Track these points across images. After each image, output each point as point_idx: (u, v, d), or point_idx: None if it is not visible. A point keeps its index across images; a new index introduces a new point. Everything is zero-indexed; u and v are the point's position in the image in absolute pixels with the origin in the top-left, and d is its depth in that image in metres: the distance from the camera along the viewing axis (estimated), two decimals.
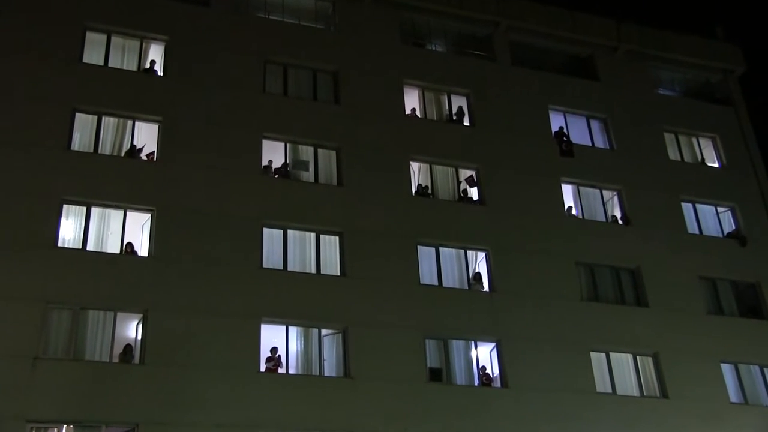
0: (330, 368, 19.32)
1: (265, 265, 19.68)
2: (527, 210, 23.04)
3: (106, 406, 17.02)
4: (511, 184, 23.34)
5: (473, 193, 23.14)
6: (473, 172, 23.33)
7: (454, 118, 24.25)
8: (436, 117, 24.20)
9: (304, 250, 20.46)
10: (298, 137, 21.87)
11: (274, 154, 21.51)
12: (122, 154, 20.25)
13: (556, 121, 25.24)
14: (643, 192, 24.72)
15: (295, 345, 19.35)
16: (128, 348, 17.98)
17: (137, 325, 18.46)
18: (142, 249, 19.39)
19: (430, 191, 22.75)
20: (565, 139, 24.77)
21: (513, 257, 22.07)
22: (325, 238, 20.73)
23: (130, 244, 19.14)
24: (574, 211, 24.05)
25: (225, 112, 21.27)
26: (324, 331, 19.62)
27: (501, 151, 23.82)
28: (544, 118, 25.02)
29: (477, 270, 21.91)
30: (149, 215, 19.58)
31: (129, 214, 19.48)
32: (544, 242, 22.59)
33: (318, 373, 19.13)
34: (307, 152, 21.95)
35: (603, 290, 22.76)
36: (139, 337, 18.19)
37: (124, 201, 19.40)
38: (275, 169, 21.49)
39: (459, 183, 23.15)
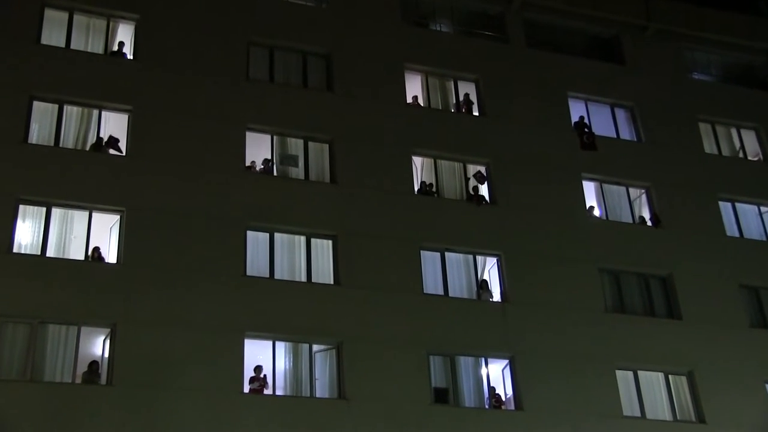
0: (322, 388, 19.32)
1: (249, 273, 19.71)
2: (544, 210, 23.10)
3: None
4: (526, 181, 23.40)
5: (483, 191, 23.19)
6: (483, 168, 23.40)
7: (462, 107, 24.33)
8: (441, 106, 24.27)
9: (293, 256, 20.50)
10: (286, 129, 21.93)
11: (259, 148, 21.53)
12: (87, 148, 20.21)
13: (577, 110, 25.28)
14: (674, 189, 24.80)
15: (282, 362, 19.37)
16: (94, 367, 17.89)
17: (104, 341, 18.35)
18: (110, 255, 19.36)
19: (434, 189, 22.79)
20: (586, 130, 24.77)
21: (528, 263, 22.10)
22: (316, 242, 20.78)
23: (96, 249, 19.08)
24: (596, 212, 24.11)
25: (203, 100, 21.30)
26: (315, 347, 19.65)
27: (514, 144, 23.87)
28: (563, 107, 25.09)
29: (484, 277, 22.00)
30: (118, 217, 19.57)
31: (95, 215, 19.41)
32: (562, 246, 22.65)
33: (309, 394, 19.12)
34: (296, 146, 21.98)
35: (630, 300, 22.84)
36: (107, 355, 18.06)
37: (90, 201, 19.34)
38: (260, 164, 21.55)
39: (467, 180, 23.22)
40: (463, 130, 23.71)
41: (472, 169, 23.34)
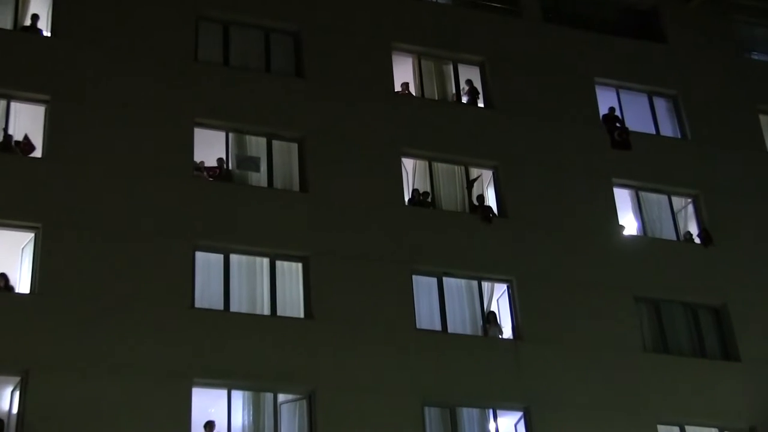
0: None
1: (198, 304, 19.64)
2: (566, 224, 23.09)
3: None
4: (543, 188, 23.41)
5: (490, 200, 23.16)
6: (490, 172, 23.42)
7: (464, 96, 24.32)
8: (437, 95, 24.20)
9: (254, 283, 20.44)
10: (245, 124, 21.87)
11: (210, 147, 21.49)
12: None
13: (606, 100, 25.28)
14: (729, 198, 24.84)
15: (240, 416, 19.18)
16: None
17: (12, 392, 18.09)
18: (22, 283, 19.20)
19: (429, 199, 22.78)
20: (618, 125, 24.76)
21: (546, 291, 22.08)
22: (282, 266, 20.71)
23: (3, 277, 18.88)
24: (632, 226, 24.16)
25: (140, 88, 21.13)
26: (282, 397, 19.54)
27: (528, 143, 23.88)
28: (588, 96, 25.08)
29: (491, 308, 22.05)
30: (32, 235, 19.35)
31: (2, 233, 19.25)
32: (589, 269, 22.67)
33: None
34: (257, 145, 21.94)
35: (674, 337, 22.89)
36: (15, 410, 17.75)
37: None
38: (213, 168, 21.53)
39: (470, 187, 23.20)
40: (464, 125, 23.63)
41: (477, 173, 23.41)
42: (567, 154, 24.00)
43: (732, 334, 23.02)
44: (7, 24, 21.25)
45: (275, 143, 22.02)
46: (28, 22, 21.37)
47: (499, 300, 22.22)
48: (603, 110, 25.09)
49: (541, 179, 23.55)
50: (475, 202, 22.98)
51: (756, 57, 27.84)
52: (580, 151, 24.18)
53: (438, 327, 21.26)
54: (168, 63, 21.68)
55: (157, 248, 19.61)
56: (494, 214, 22.90)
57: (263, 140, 21.94)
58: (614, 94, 25.51)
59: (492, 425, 20.72)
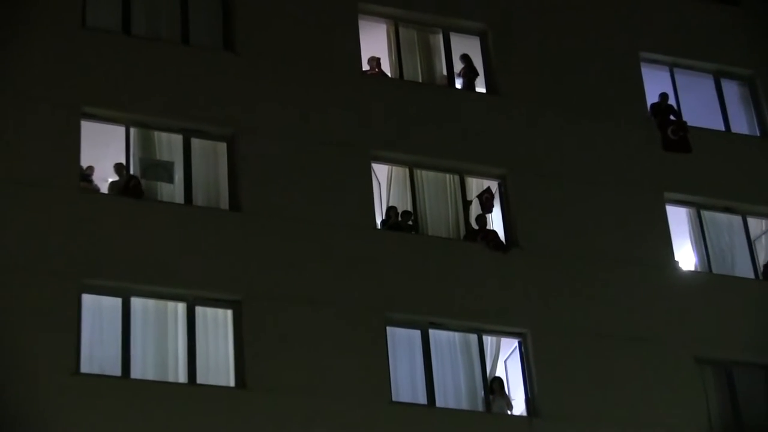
0: None
1: (85, 369, 19.51)
2: (599, 258, 23.26)
3: None
4: (568, 206, 23.56)
5: (495, 222, 23.19)
6: (494, 184, 23.48)
7: (458, 78, 24.45)
8: (422, 76, 24.40)
9: (165, 337, 20.33)
10: (153, 116, 21.86)
11: (105, 147, 21.63)
12: None
13: (657, 84, 25.45)
14: None
15: None
16: None
17: None
18: None
19: (410, 220, 22.75)
20: (672, 117, 24.87)
21: (572, 349, 22.09)
22: (205, 314, 20.61)
23: None
24: (691, 258, 24.35)
25: (10, 67, 21.26)
26: None
27: (547, 143, 24.06)
28: (631, 78, 25.35)
29: (496, 373, 22.08)
30: None
31: None
32: (632, 319, 22.69)
33: None
34: (169, 145, 22.00)
35: (752, 411, 22.85)
36: None
37: None
38: (108, 176, 21.59)
39: (467, 204, 23.21)
40: (459, 117, 23.75)
41: (476, 185, 23.43)
42: (600, 159, 24.21)
43: None
44: None
45: (196, 143, 22.03)
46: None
47: (508, 361, 22.29)
48: (652, 98, 25.25)
49: (564, 194, 23.64)
50: (474, 225, 22.91)
51: None
52: (618, 154, 24.37)
53: (422, 399, 21.20)
54: (46, 32, 21.85)
55: (34, 286, 19.53)
56: (500, 240, 22.94)
57: (179, 138, 21.94)
58: (667, 76, 25.77)
59: None
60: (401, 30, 24.43)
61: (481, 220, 22.81)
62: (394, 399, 20.67)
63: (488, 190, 23.09)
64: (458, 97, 24.11)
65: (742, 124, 26.03)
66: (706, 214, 24.55)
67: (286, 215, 21.54)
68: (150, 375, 19.74)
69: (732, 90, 26.33)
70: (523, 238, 22.85)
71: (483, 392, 21.50)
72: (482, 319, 21.86)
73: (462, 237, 22.82)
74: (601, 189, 23.79)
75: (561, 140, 24.10)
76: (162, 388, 19.56)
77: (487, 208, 22.99)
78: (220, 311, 20.59)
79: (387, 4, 24.39)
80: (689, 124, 24.87)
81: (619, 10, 25.97)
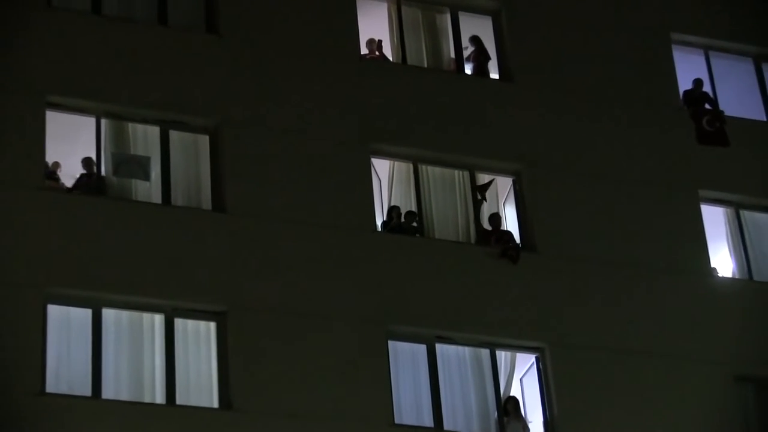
0: None
1: (51, 389, 19.32)
2: (625, 264, 23.20)
3: None
4: (591, 206, 23.60)
5: (509, 223, 23.27)
6: (509, 180, 23.48)
7: (468, 62, 24.50)
8: (427, 60, 24.43)
9: (140, 353, 20.14)
10: (127, 106, 21.73)
11: (73, 142, 21.66)
12: None
13: (690, 69, 25.57)
14: None
15: None
16: None
17: None
18: None
19: (415, 222, 22.70)
20: (708, 106, 24.86)
21: (596, 366, 22.00)
22: (186, 326, 20.47)
23: None
24: (728, 264, 24.36)
25: None
26: None
27: (567, 135, 24.09)
28: (661, 62, 25.41)
29: (510, 392, 21.98)
30: None
31: None
32: (663, 332, 22.66)
33: None
34: (146, 138, 21.87)
35: None
36: None
37: None
38: (80, 176, 21.47)
39: (478, 204, 23.14)
40: (469, 106, 23.72)
41: (486, 182, 23.49)
42: (627, 154, 24.22)
43: None
44: None
45: (175, 136, 21.90)
46: None
47: (524, 379, 22.26)
48: (685, 84, 25.24)
49: (586, 193, 23.72)
50: (487, 226, 22.86)
51: None
52: (647, 148, 24.36)
53: (428, 421, 21.08)
54: (5, 12, 21.71)
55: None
56: (516, 244, 22.82)
57: (155, 130, 21.78)
58: (702, 59, 25.88)
59: None
60: (404, 9, 24.43)
61: (495, 220, 22.83)
62: (396, 421, 20.57)
63: (490, 183, 23.22)
64: (468, 83, 24.09)
65: None
66: (746, 215, 24.58)
67: (275, 217, 21.39)
68: (124, 395, 19.54)
69: None
70: (541, 242, 22.82)
71: (496, 414, 21.36)
72: (495, 333, 21.73)
73: (473, 240, 22.69)
74: (628, 187, 23.83)
75: (583, 132, 24.11)
76: (137, 410, 19.41)
77: (481, 196, 23.18)
78: (202, 324, 20.40)
79: None
80: (726, 113, 24.92)
81: None
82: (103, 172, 21.31)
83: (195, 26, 22.93)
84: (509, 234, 22.74)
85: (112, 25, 22.22)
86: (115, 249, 20.29)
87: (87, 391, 19.34)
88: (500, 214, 23.12)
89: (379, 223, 22.29)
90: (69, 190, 21.22)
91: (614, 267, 23.02)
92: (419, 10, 24.63)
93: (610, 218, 23.46)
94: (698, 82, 25.04)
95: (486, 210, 23.06)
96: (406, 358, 21.26)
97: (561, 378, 21.64)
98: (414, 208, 22.58)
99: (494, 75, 24.47)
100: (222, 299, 20.48)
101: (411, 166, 23.03)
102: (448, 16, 24.72)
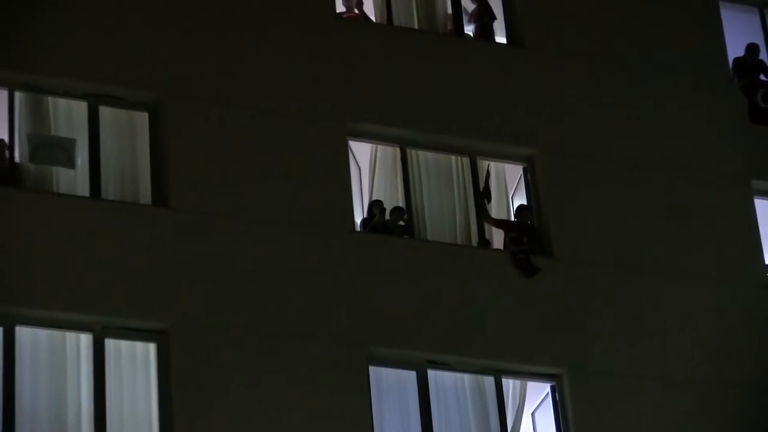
0: None
1: None
2: (661, 268, 22.86)
3: None
4: (618, 199, 23.33)
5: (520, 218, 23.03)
6: (518, 169, 23.31)
7: (468, 24, 24.37)
8: (419, 21, 24.26)
9: (63, 379, 19.68)
10: (47, 75, 21.44)
11: None
12: None
13: (740, 34, 25.41)
14: None
15: None
16: None
17: None
18: None
19: (402, 220, 22.35)
20: (764, 77, 24.73)
21: (624, 396, 21.68)
22: (119, 348, 20.05)
23: None
24: None
25: None
26: None
27: (590, 113, 23.74)
28: (706, 24, 25.32)
29: (520, 427, 21.89)
30: None
31: None
32: (707, 357, 22.36)
33: None
34: (71, 116, 21.54)
35: None
36: None
37: None
38: None
39: (482, 196, 22.90)
40: (470, 76, 23.44)
41: (495, 171, 23.39)
42: (663, 136, 23.95)
43: None
44: None
45: (106, 113, 21.47)
46: None
47: (536, 413, 22.04)
48: (734, 51, 24.94)
49: (612, 183, 23.48)
50: (494, 214, 22.96)
51: None
52: (688, 128, 24.14)
53: None
54: None
55: None
56: (530, 250, 22.57)
57: (81, 106, 21.36)
58: (756, 20, 25.70)
59: None
60: None
61: (524, 214, 22.90)
62: None
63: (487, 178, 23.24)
64: (468, 49, 23.86)
65: None
66: None
67: (229, 213, 21.11)
68: (43, 430, 19.21)
69: None
70: (557, 244, 22.53)
71: None
72: (501, 356, 21.44)
73: (474, 242, 22.44)
74: (665, 177, 23.63)
75: (608, 110, 23.94)
76: None
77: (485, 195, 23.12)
78: (138, 345, 20.05)
79: None
80: None
81: None
82: (17, 158, 20.98)
83: None
84: (531, 230, 22.56)
85: None
86: (31, 252, 19.90)
87: None
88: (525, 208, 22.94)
89: (358, 220, 22.12)
90: None
91: (647, 276, 22.79)
92: None
93: (643, 215, 23.25)
94: (752, 48, 24.79)
95: (490, 208, 22.87)
96: (391, 387, 20.96)
97: (582, 412, 21.36)
98: (401, 203, 22.30)
99: (501, 38, 24.28)
100: (163, 315, 20.12)
101: (398, 150, 22.78)
102: None
